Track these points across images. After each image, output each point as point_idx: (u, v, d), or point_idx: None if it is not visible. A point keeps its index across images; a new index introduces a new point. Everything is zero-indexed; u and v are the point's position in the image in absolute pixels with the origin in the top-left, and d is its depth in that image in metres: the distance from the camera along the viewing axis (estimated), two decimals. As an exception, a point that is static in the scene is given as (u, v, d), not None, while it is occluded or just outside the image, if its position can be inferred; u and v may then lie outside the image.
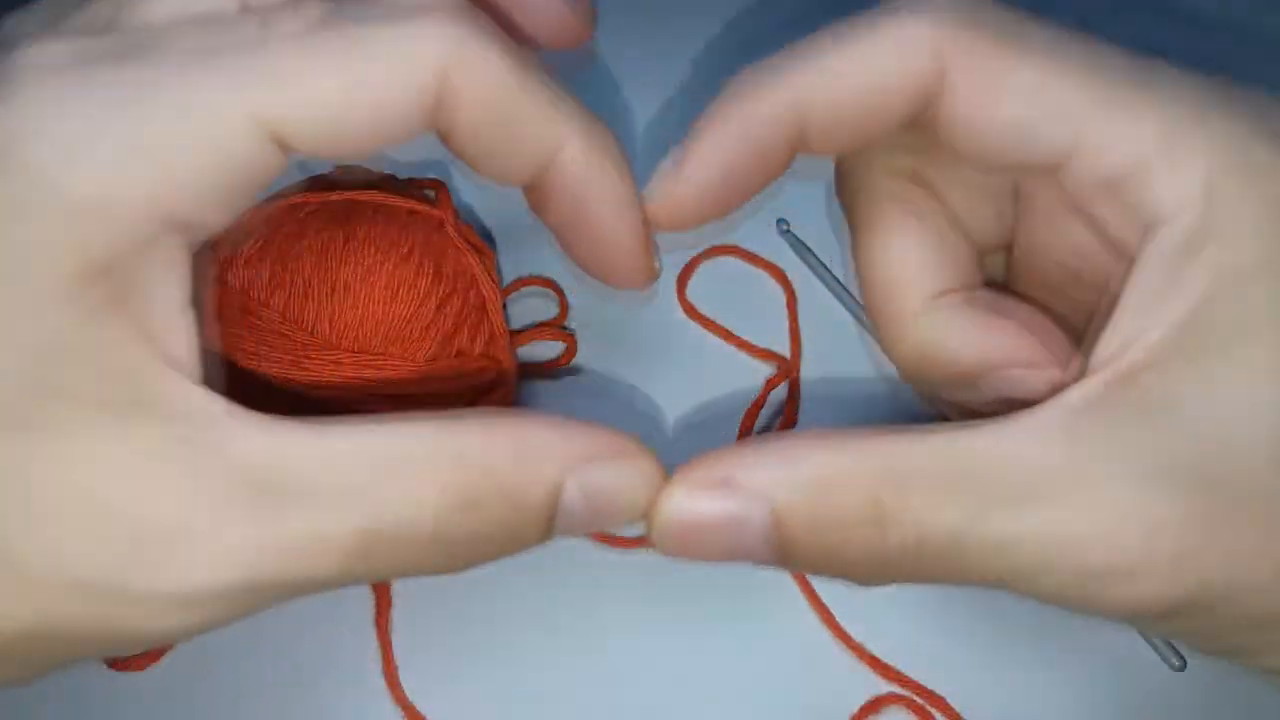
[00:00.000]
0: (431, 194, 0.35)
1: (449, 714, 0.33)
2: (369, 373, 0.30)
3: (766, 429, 0.39)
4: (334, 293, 0.30)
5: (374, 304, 0.31)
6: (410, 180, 0.36)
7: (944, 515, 0.18)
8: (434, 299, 0.32)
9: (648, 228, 0.23)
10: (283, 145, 0.19)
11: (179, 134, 0.18)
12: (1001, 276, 0.25)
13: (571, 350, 0.39)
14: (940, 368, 0.23)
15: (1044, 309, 0.24)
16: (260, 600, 0.19)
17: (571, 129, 0.21)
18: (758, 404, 0.38)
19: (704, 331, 0.41)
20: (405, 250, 0.32)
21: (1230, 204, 0.19)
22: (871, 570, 0.19)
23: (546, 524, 0.20)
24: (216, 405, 0.19)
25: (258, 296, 0.30)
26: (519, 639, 0.34)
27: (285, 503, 0.18)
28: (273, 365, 0.29)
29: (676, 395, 0.40)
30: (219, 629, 0.19)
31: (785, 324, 0.42)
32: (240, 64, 0.19)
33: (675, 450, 0.38)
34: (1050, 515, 0.18)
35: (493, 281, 0.34)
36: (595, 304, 0.42)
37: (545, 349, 0.40)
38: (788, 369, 0.40)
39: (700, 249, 0.44)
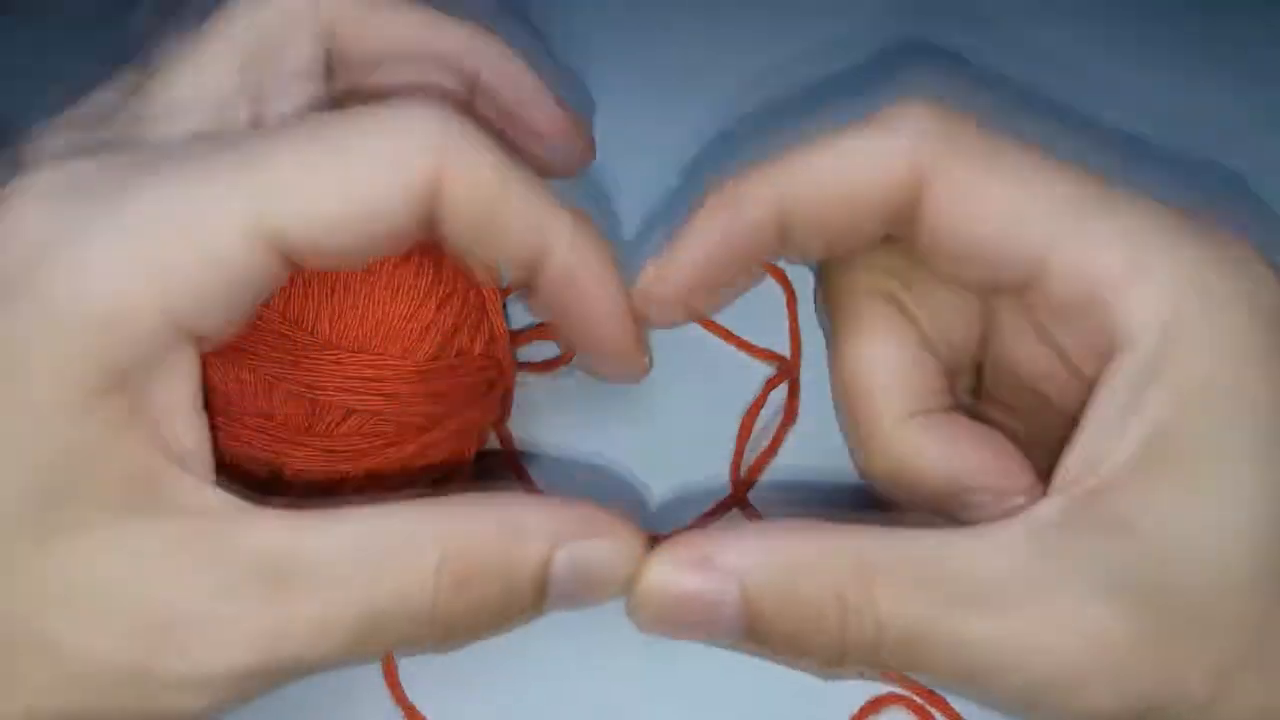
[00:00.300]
0: None
1: (449, 714, 0.33)
2: (368, 372, 0.30)
3: (766, 429, 0.39)
4: (334, 292, 0.30)
5: (374, 304, 0.31)
6: None
7: (905, 610, 0.19)
8: (434, 299, 0.32)
9: (638, 322, 0.25)
10: (283, 254, 0.20)
11: (182, 248, 0.20)
12: (972, 398, 0.26)
13: (572, 350, 0.39)
14: (909, 484, 0.24)
15: (1013, 430, 0.24)
16: (275, 680, 0.21)
17: (558, 228, 0.22)
18: (758, 404, 0.38)
19: (704, 331, 0.41)
20: (405, 250, 0.32)
21: (1192, 330, 0.20)
22: (833, 658, 0.20)
23: (539, 598, 0.22)
24: (229, 502, 0.21)
25: None
26: (519, 639, 0.34)
27: (295, 590, 0.19)
28: (272, 365, 0.29)
29: (676, 395, 0.40)
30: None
31: (785, 324, 0.42)
32: (238, 178, 0.20)
33: (676, 451, 0.38)
34: (1006, 622, 0.19)
35: (493, 282, 0.34)
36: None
37: (545, 349, 0.40)
38: (788, 369, 0.40)
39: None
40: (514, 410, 0.39)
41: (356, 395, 0.30)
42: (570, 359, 0.39)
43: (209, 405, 0.30)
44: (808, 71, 0.52)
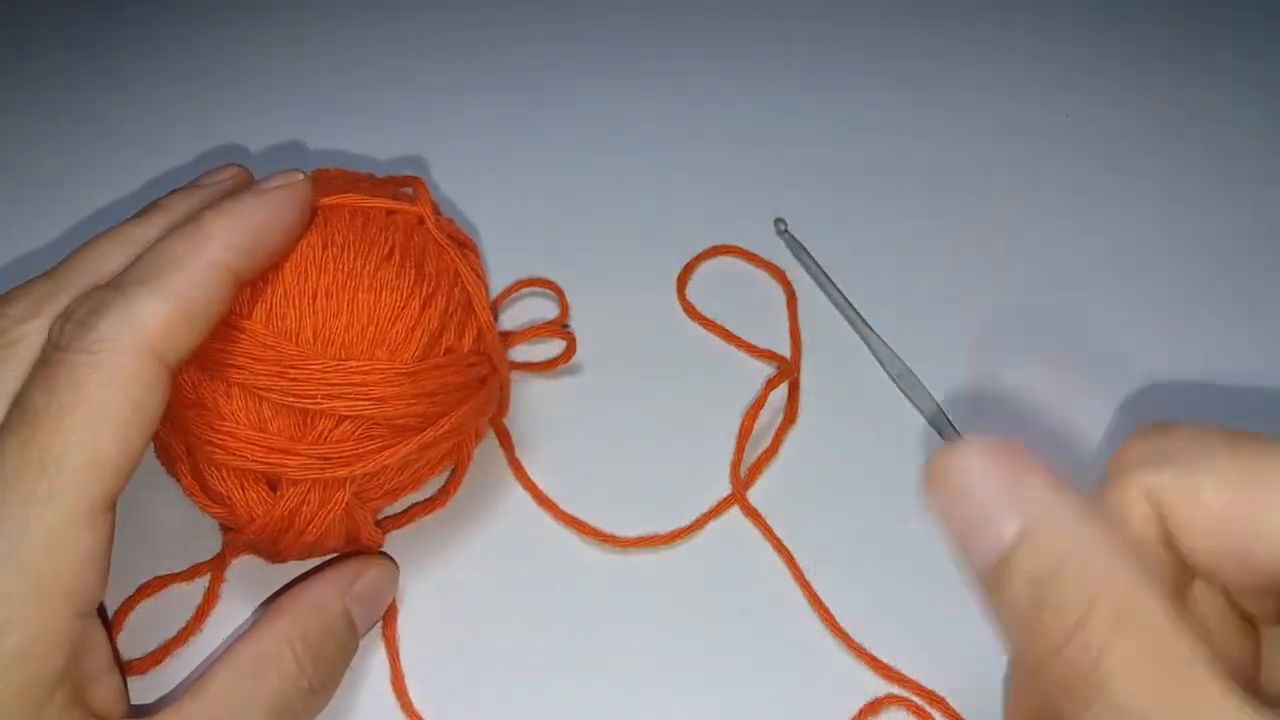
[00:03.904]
0: (409, 191, 0.35)
1: None
2: (356, 378, 0.30)
3: (766, 429, 0.39)
4: (315, 299, 0.30)
5: (357, 309, 0.30)
6: (389, 179, 0.36)
7: (1128, 679, 0.17)
8: (418, 298, 0.31)
9: None
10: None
11: (68, 565, 0.24)
12: None
13: (571, 350, 0.39)
14: None
15: None
16: None
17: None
18: (758, 404, 0.38)
19: (704, 331, 0.41)
20: (385, 251, 0.31)
21: None
22: (1032, 639, 0.19)
23: (353, 629, 0.31)
24: None
25: (240, 310, 0.30)
26: (524, 645, 0.34)
27: None
28: (260, 377, 0.29)
29: (676, 395, 0.40)
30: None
31: (785, 324, 0.42)
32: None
33: (674, 449, 0.38)
34: None
35: (477, 277, 0.34)
36: (595, 304, 0.42)
37: (545, 348, 0.40)
38: (788, 369, 0.40)
39: (700, 249, 0.44)
40: (514, 410, 0.39)
41: (346, 402, 0.29)
42: (570, 358, 0.39)
43: (202, 422, 0.30)
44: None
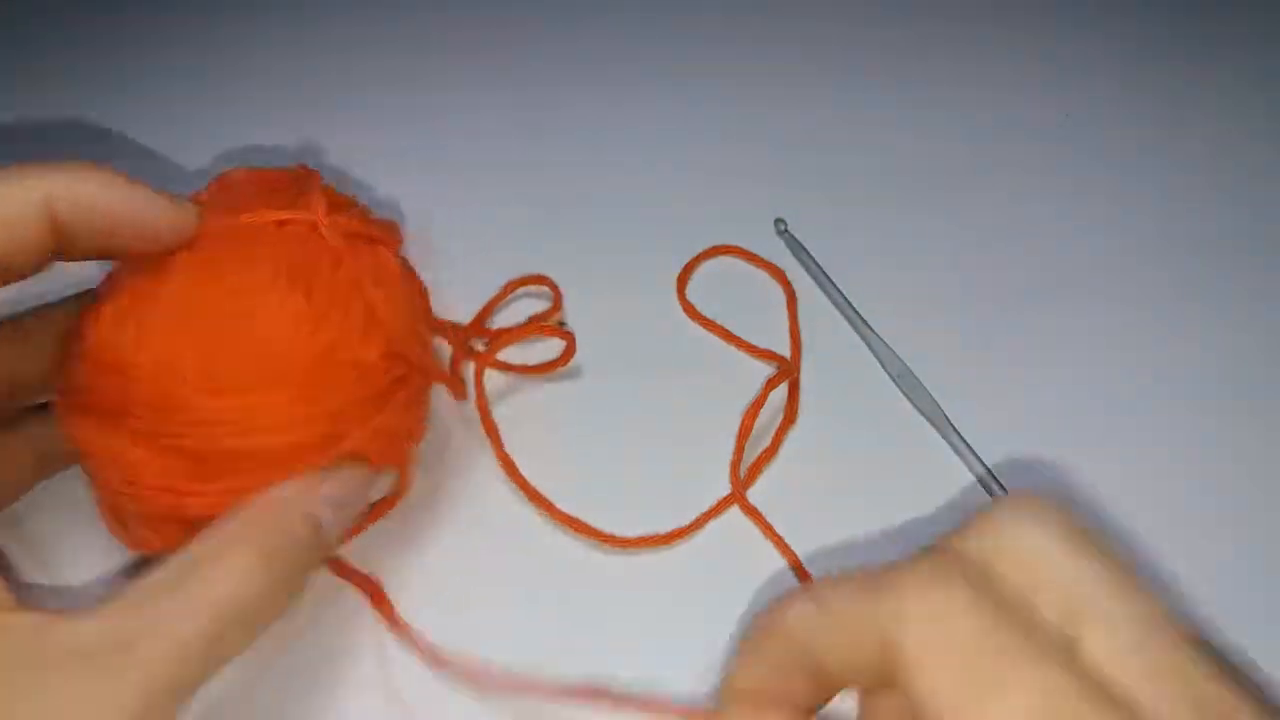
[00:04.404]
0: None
1: None
2: (248, 412, 0.28)
3: (766, 429, 0.39)
4: (199, 335, 0.28)
5: (241, 339, 0.29)
6: (294, 171, 0.34)
7: None
8: (308, 319, 0.29)
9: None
10: None
11: None
12: None
13: (570, 350, 0.39)
14: None
15: None
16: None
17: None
18: (758, 404, 0.38)
19: (704, 331, 0.41)
20: (270, 273, 0.29)
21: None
22: None
23: (319, 539, 0.29)
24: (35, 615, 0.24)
25: (125, 356, 0.28)
26: (524, 646, 0.34)
27: (143, 639, 0.24)
28: (151, 422, 0.28)
29: (676, 395, 0.40)
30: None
31: (785, 324, 0.42)
32: None
33: (674, 449, 0.38)
34: None
35: (390, 274, 0.32)
36: (594, 304, 0.42)
37: (545, 349, 0.40)
38: (788, 369, 0.40)
39: (700, 249, 0.44)
40: (513, 410, 0.38)
41: (243, 438, 0.28)
42: (569, 358, 0.39)
43: (105, 471, 0.29)
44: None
